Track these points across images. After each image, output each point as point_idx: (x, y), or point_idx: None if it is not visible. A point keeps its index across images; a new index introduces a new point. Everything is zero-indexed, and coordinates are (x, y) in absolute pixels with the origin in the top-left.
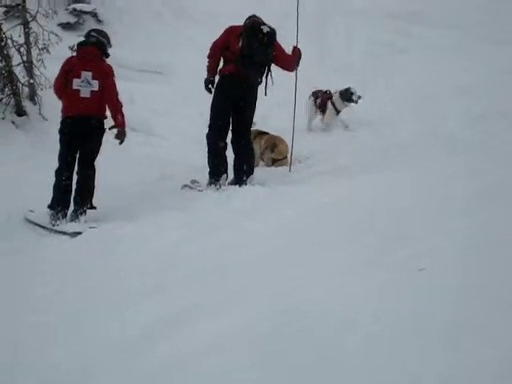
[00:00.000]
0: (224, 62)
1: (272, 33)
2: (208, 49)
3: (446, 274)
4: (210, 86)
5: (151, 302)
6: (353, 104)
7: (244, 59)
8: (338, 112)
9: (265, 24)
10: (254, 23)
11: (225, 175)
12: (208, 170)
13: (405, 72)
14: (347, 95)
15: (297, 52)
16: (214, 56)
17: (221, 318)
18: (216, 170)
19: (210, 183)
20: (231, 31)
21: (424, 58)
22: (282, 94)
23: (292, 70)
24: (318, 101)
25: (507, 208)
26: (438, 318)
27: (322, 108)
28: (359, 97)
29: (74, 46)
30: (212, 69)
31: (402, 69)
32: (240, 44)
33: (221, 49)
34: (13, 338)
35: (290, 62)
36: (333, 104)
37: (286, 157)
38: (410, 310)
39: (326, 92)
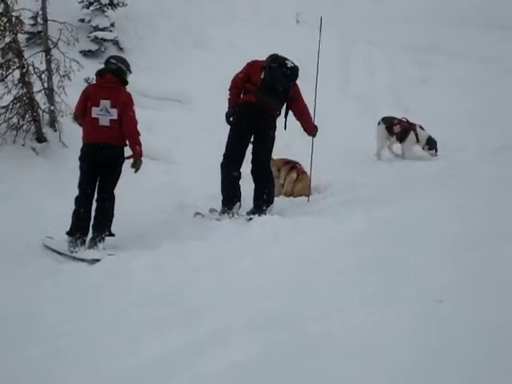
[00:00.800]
0: (244, 92)
1: (295, 69)
2: (228, 79)
3: (464, 306)
4: (231, 118)
5: (168, 332)
6: (426, 152)
7: (265, 88)
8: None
9: (290, 60)
10: (278, 57)
11: (238, 204)
12: (221, 198)
13: (425, 103)
14: (433, 144)
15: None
16: (235, 88)
17: (237, 347)
18: (229, 199)
19: (223, 211)
20: (254, 65)
21: (444, 89)
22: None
23: (305, 121)
24: (396, 128)
25: None
26: (459, 355)
27: (402, 136)
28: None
29: (88, 78)
30: (233, 102)
31: (422, 100)
32: (262, 76)
33: (242, 82)
34: (25, 368)
35: (305, 112)
36: (416, 135)
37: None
38: (429, 346)
39: (405, 121)
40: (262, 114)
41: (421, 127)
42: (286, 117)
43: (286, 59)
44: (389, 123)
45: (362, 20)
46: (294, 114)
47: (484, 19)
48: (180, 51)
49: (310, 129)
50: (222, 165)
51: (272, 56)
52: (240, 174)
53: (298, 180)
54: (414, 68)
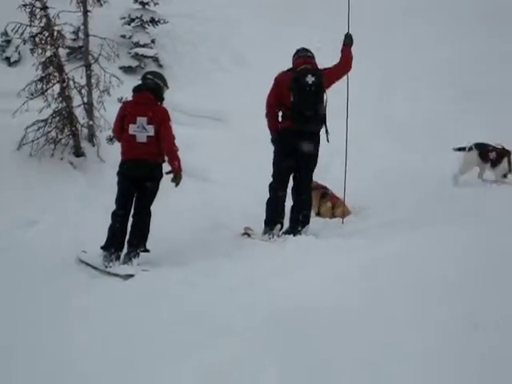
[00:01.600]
0: (282, 116)
1: (318, 81)
2: (265, 98)
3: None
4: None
5: (202, 351)
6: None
7: (298, 115)
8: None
9: (309, 73)
10: (299, 76)
11: (279, 225)
12: (264, 218)
13: (461, 137)
14: None
15: (347, 53)
16: (270, 115)
17: (269, 369)
18: (272, 219)
19: (264, 232)
20: (280, 83)
21: (482, 124)
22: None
23: (349, 69)
24: (492, 155)
25: None
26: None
27: (496, 162)
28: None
29: (122, 97)
30: (273, 127)
31: (457, 133)
32: (292, 99)
33: (275, 106)
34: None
35: (341, 70)
36: (509, 162)
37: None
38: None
39: (500, 147)
40: (303, 137)
41: None
42: (326, 132)
43: (305, 75)
44: (482, 150)
45: (407, 58)
46: (340, 77)
47: None
48: (219, 69)
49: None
50: (270, 185)
51: (298, 53)
52: (285, 194)
53: (336, 207)
54: (455, 104)
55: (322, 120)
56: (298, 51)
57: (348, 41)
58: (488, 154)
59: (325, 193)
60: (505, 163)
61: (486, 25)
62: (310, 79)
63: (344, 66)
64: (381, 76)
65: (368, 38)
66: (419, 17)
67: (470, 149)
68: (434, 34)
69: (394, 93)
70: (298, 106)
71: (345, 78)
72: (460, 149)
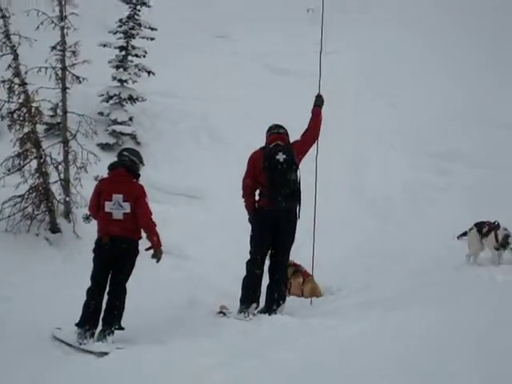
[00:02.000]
0: (259, 194)
1: (289, 158)
2: (241, 176)
3: None
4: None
5: None
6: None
7: (274, 194)
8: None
9: (280, 150)
10: (271, 155)
11: (255, 304)
12: (240, 296)
13: (440, 210)
14: (504, 242)
15: (317, 118)
16: (247, 195)
17: None
18: (248, 298)
19: (240, 311)
20: (254, 163)
21: (461, 197)
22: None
23: (317, 136)
24: (485, 229)
25: None
26: None
27: (486, 234)
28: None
29: (98, 176)
30: (250, 207)
31: (437, 206)
32: (266, 178)
33: (251, 186)
34: None
35: (310, 138)
36: (496, 235)
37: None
38: None
39: (493, 222)
40: (280, 215)
41: (504, 228)
42: (299, 206)
43: (276, 153)
44: (479, 226)
45: (381, 124)
46: (311, 144)
47: (506, 126)
48: (197, 147)
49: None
50: (247, 263)
51: (270, 131)
52: (262, 272)
53: (305, 283)
54: (433, 174)
55: (297, 197)
56: (270, 128)
57: (319, 102)
58: (482, 229)
59: (297, 270)
60: (492, 236)
61: (464, 87)
62: (281, 157)
63: (312, 132)
64: (353, 143)
65: (340, 102)
66: (391, 79)
67: (471, 229)
68: (407, 97)
69: (367, 162)
70: (273, 184)
71: (315, 146)
72: (463, 234)
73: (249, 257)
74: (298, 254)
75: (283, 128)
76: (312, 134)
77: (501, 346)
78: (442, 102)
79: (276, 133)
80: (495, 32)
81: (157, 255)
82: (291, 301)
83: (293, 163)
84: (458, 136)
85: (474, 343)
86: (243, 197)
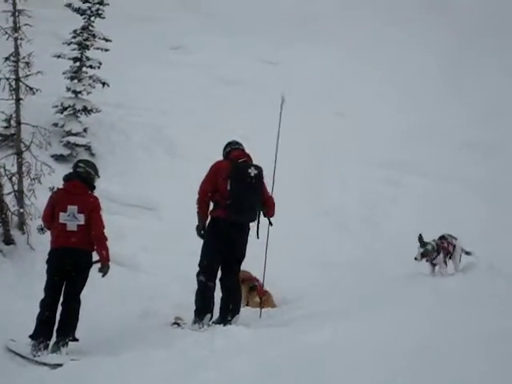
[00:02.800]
0: (214, 204)
1: (259, 175)
2: (198, 188)
3: None
4: (202, 232)
5: None
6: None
7: (234, 205)
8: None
9: (251, 165)
10: (241, 167)
11: (209, 315)
12: (194, 308)
13: (394, 220)
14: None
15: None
16: (202, 202)
17: None
18: (202, 310)
19: (194, 322)
20: (218, 171)
21: (413, 208)
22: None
23: (271, 215)
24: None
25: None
26: None
27: None
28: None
29: (53, 187)
30: (203, 216)
31: (391, 217)
32: (229, 187)
33: (208, 193)
34: None
35: (271, 206)
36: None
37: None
38: None
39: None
40: (237, 228)
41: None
42: (257, 226)
43: (248, 167)
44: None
45: (334, 134)
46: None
47: (453, 139)
48: (152, 159)
49: (271, 214)
50: (198, 275)
51: (230, 145)
52: (215, 284)
53: (263, 302)
54: (385, 185)
55: (256, 212)
56: (229, 143)
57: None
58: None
59: (253, 286)
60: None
61: (418, 102)
62: (253, 172)
63: (271, 208)
64: (308, 154)
65: (293, 113)
66: (346, 91)
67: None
68: (360, 109)
69: (322, 173)
70: (237, 195)
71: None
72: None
73: (199, 268)
74: (254, 265)
75: (242, 145)
76: (271, 208)
77: (445, 352)
78: (395, 115)
79: (238, 148)
80: (455, 50)
81: (104, 269)
82: (246, 311)
83: (262, 182)
84: (409, 148)
85: (421, 350)
86: (197, 203)
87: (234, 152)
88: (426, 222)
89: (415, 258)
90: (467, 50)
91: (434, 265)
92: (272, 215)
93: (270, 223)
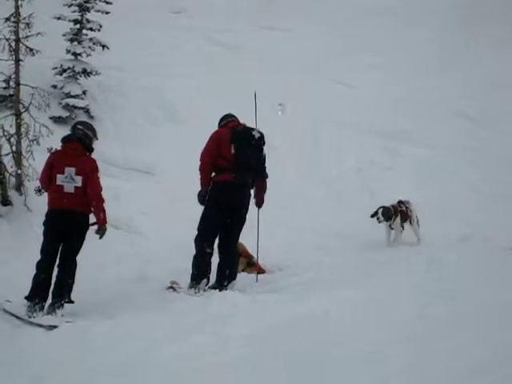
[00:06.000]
0: (218, 169)
1: (262, 138)
2: (199, 154)
3: None
4: (205, 199)
5: None
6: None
7: (241, 166)
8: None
9: (254, 129)
10: (245, 129)
11: (205, 280)
12: (190, 272)
13: (389, 188)
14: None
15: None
16: (206, 170)
17: None
18: (199, 274)
19: (190, 286)
20: (219, 137)
21: (409, 177)
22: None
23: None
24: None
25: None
26: None
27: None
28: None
29: (51, 148)
30: (205, 182)
31: (387, 185)
32: (233, 151)
33: (211, 161)
34: None
35: (264, 183)
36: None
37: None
38: None
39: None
40: (241, 191)
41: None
42: (257, 189)
43: (251, 129)
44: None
45: (332, 103)
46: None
47: (451, 110)
48: (151, 123)
49: (262, 199)
50: (197, 240)
51: (226, 118)
52: (212, 250)
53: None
54: (381, 154)
55: (260, 171)
56: (226, 116)
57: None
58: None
59: (250, 262)
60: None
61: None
62: (257, 134)
63: (261, 193)
64: (305, 122)
65: (290, 81)
66: (346, 59)
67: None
68: (360, 78)
69: (319, 141)
70: (243, 156)
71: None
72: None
73: (197, 233)
74: (249, 233)
75: (237, 118)
76: (263, 187)
77: (441, 321)
78: (394, 85)
79: (233, 121)
80: (451, 22)
81: (100, 232)
82: (243, 277)
83: (264, 144)
84: (405, 117)
85: (415, 318)
86: (200, 169)
87: (231, 123)
88: (421, 190)
89: (377, 219)
90: (463, 22)
91: (391, 229)
92: (261, 202)
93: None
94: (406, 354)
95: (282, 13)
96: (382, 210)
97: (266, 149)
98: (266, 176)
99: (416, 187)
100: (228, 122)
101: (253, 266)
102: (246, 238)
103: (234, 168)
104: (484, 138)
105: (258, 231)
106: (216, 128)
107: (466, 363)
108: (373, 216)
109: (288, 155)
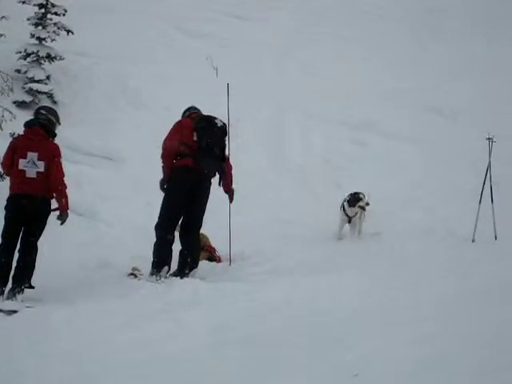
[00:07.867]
0: (180, 155)
1: (224, 127)
2: (161, 140)
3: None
4: (165, 186)
5: None
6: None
7: (202, 152)
8: (348, 218)
9: (216, 117)
10: (207, 117)
11: (166, 267)
12: (152, 259)
13: (356, 181)
14: (354, 201)
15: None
16: (168, 157)
17: None
18: (160, 262)
19: (151, 273)
20: (182, 126)
21: (376, 169)
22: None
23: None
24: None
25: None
26: None
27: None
28: (367, 203)
29: (14, 133)
30: (167, 170)
31: (353, 176)
32: (195, 138)
33: (175, 147)
34: None
35: (230, 171)
36: (343, 209)
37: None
38: None
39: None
40: (201, 178)
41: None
42: (221, 176)
43: (214, 118)
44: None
45: (299, 92)
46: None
47: (419, 101)
48: (114, 109)
49: (229, 187)
50: (157, 227)
51: (190, 110)
52: (174, 237)
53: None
54: (348, 144)
55: (220, 164)
56: (189, 108)
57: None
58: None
59: (211, 257)
60: (340, 214)
61: (383, 62)
62: (219, 123)
63: (229, 181)
64: (272, 110)
65: (258, 68)
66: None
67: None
68: (329, 68)
69: (286, 130)
70: (205, 143)
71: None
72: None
73: (158, 220)
74: (214, 221)
75: (200, 110)
76: (229, 175)
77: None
78: (363, 76)
79: (196, 113)
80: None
81: (62, 217)
82: (204, 265)
83: (226, 133)
84: (373, 108)
85: (381, 306)
86: (162, 158)
87: (194, 114)
88: (387, 182)
89: (367, 204)
90: (436, 11)
91: (349, 218)
92: (229, 189)
93: (230, 199)
94: (365, 343)
95: (260, 4)
96: (361, 195)
97: (231, 138)
98: (226, 159)
99: (383, 179)
100: (191, 114)
101: (213, 261)
102: (211, 227)
103: (194, 154)
104: (451, 130)
105: (229, 222)
106: (179, 117)
107: (425, 352)
108: (354, 203)
109: (255, 144)
